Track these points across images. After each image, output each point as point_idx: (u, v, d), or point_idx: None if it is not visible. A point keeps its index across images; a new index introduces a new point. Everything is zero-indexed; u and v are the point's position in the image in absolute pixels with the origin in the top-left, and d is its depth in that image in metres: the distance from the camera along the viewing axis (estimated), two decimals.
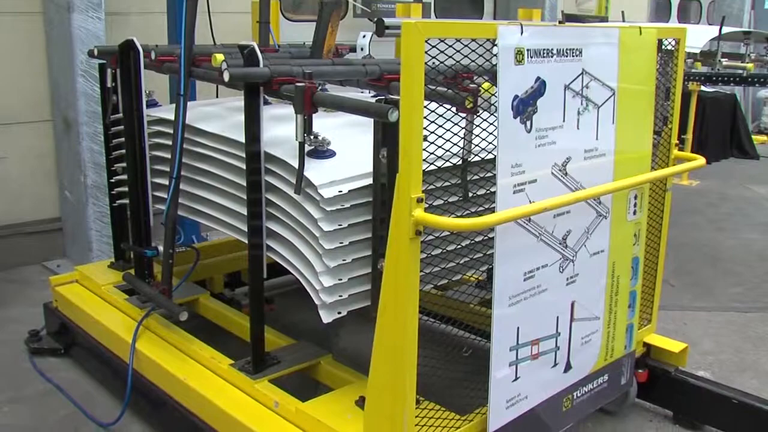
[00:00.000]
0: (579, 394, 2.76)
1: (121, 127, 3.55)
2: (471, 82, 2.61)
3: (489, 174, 2.50)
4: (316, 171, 2.40)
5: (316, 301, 2.44)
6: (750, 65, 5.54)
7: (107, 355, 3.31)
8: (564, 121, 2.38)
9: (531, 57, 2.21)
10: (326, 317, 2.42)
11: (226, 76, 2.38)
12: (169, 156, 3.22)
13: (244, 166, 2.70)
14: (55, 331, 3.80)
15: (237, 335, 3.33)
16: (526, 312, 2.40)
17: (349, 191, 2.36)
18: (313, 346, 3.03)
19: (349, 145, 2.58)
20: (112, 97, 3.53)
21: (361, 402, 2.50)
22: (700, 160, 2.85)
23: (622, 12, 7.25)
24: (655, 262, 3.11)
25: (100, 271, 3.78)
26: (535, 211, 2.14)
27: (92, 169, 4.78)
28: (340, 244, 2.38)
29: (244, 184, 2.72)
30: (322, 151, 2.49)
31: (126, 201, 3.63)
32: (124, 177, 3.59)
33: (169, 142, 3.20)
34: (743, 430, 3.02)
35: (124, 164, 3.59)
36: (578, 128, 2.45)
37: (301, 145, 2.36)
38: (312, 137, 2.42)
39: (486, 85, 2.83)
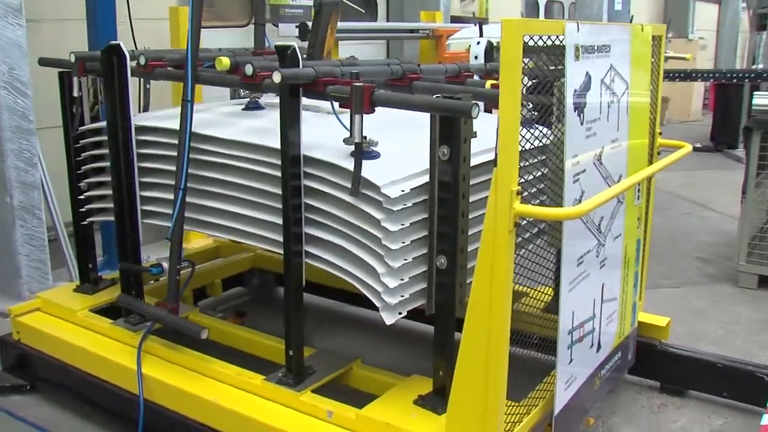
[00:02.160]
0: (604, 372, 2.91)
1: (88, 140, 3.33)
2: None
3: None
4: (372, 172, 2.37)
5: (378, 304, 2.41)
6: None
7: (99, 385, 3.06)
8: (600, 113, 2.52)
9: (583, 53, 2.32)
10: (389, 319, 2.40)
11: (277, 78, 2.29)
12: (156, 166, 3.07)
13: (272, 172, 2.62)
14: (12, 366, 3.46)
15: (237, 349, 3.21)
16: (578, 296, 2.51)
17: (411, 190, 2.35)
18: (334, 352, 2.98)
19: (387, 144, 2.57)
20: (80, 107, 3.28)
21: (420, 401, 2.51)
22: (688, 147, 3.10)
23: (522, 12, 7.65)
24: (643, 242, 3.33)
25: (67, 297, 3.48)
26: (611, 198, 2.24)
27: (19, 189, 4.35)
28: (403, 244, 2.37)
29: (273, 190, 2.65)
30: (368, 152, 2.46)
31: (96, 219, 3.41)
32: (93, 193, 3.36)
33: (158, 152, 3.05)
34: (729, 391, 3.30)
35: (90, 180, 3.36)
36: (608, 120, 2.60)
37: (358, 146, 2.33)
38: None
39: (489, 82, 2.93)
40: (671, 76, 6.49)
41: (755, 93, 5.06)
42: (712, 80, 7.97)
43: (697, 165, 8.94)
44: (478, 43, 3.45)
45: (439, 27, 6.96)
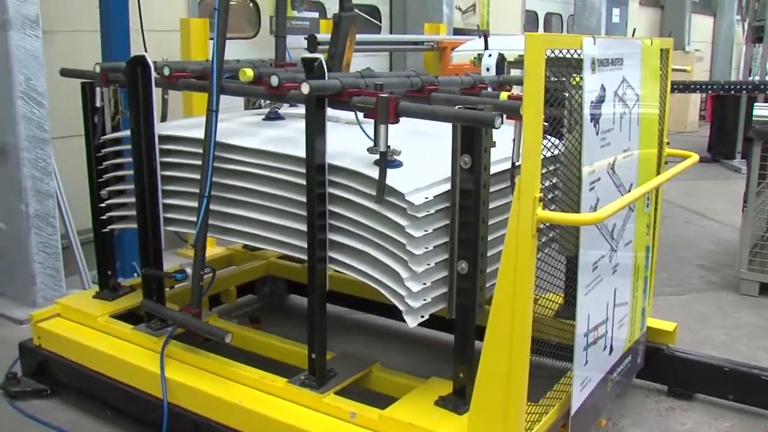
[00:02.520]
0: (616, 375, 2.99)
1: (109, 149, 3.41)
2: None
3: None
4: (396, 180, 2.46)
5: (402, 307, 2.49)
6: None
7: (121, 389, 3.12)
8: (614, 123, 2.61)
9: (599, 66, 2.41)
10: (412, 322, 2.48)
11: (305, 89, 2.38)
12: (179, 174, 3.14)
13: (296, 180, 2.71)
14: (33, 371, 3.52)
15: (250, 352, 3.27)
16: (593, 300, 2.60)
17: (434, 197, 2.44)
18: (354, 355, 3.06)
19: (407, 154, 2.65)
20: (101, 117, 3.35)
21: (441, 402, 2.58)
22: (695, 157, 3.19)
23: (523, 24, 7.78)
24: (651, 249, 3.42)
25: (87, 303, 3.54)
26: (628, 204, 2.33)
27: (34, 198, 4.44)
28: (426, 249, 2.45)
29: (296, 198, 2.73)
30: (391, 161, 2.54)
31: (117, 227, 3.48)
32: (114, 201, 3.43)
33: (181, 161, 3.12)
34: (735, 394, 3.38)
35: (111, 188, 3.43)
36: (620, 130, 2.69)
37: (383, 155, 2.41)
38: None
39: (504, 94, 3.03)
40: (671, 88, 6.60)
41: (755, 104, 5.18)
42: (710, 92, 8.11)
43: (696, 175, 9.00)
44: (490, 55, 3.54)
45: (445, 39, 7.07)
